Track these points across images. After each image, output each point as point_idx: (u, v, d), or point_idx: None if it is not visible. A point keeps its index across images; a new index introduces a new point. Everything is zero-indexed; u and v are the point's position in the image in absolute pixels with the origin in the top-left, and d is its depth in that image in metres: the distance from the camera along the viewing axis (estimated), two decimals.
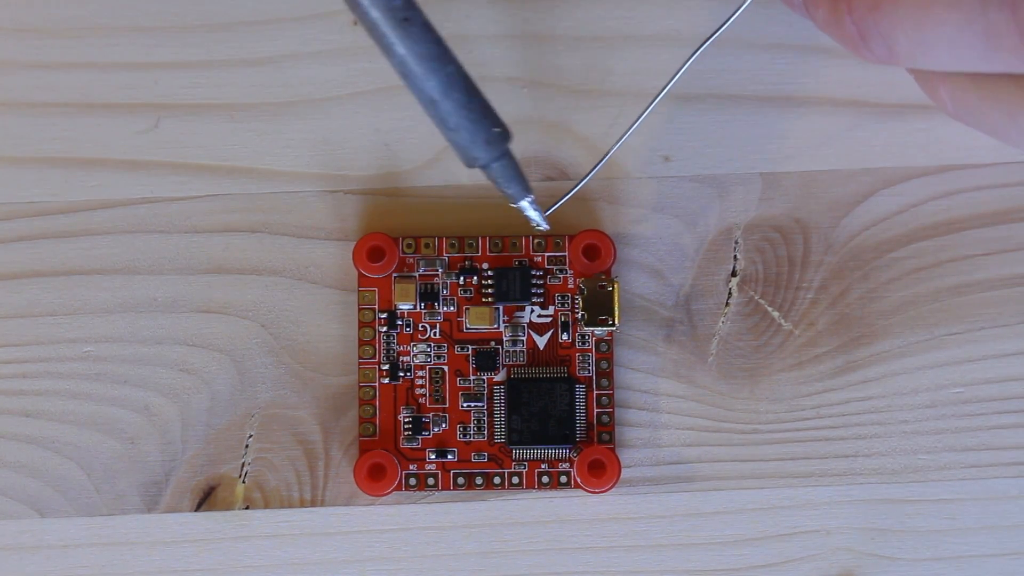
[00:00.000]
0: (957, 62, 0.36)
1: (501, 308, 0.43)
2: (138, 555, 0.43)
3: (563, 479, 0.43)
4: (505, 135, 0.38)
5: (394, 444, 0.43)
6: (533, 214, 0.40)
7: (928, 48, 0.36)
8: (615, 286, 0.42)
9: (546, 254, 0.43)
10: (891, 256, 0.44)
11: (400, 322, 0.43)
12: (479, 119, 0.38)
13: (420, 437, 0.43)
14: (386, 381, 0.43)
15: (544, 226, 0.41)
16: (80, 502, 0.43)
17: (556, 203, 0.42)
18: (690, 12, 0.44)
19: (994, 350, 0.43)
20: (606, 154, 0.42)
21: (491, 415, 0.43)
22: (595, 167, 0.42)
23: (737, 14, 0.40)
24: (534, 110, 0.44)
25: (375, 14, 0.36)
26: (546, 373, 0.43)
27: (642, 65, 0.44)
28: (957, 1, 0.35)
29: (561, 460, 0.43)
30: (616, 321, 0.42)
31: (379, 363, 0.43)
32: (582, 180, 0.42)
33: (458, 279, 0.43)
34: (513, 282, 0.43)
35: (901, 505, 0.43)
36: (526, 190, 0.40)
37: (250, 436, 0.43)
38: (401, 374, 0.43)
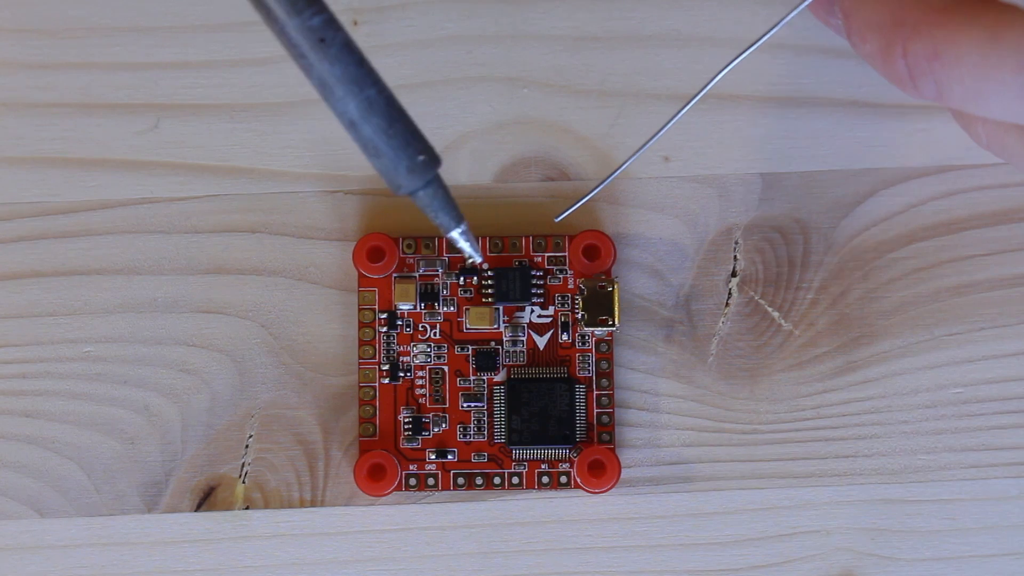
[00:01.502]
0: (1010, 116, 0.35)
1: (501, 308, 0.43)
2: (138, 555, 0.43)
3: (563, 479, 0.43)
4: (430, 163, 0.37)
5: (394, 444, 0.43)
6: (464, 245, 0.39)
7: (983, 102, 0.35)
8: (615, 286, 0.42)
9: (546, 254, 0.43)
10: (891, 256, 0.44)
11: (400, 322, 0.43)
12: (400, 146, 0.36)
13: (420, 437, 0.43)
14: (386, 381, 0.43)
15: (477, 259, 0.40)
16: (80, 502, 0.43)
17: (568, 208, 0.42)
18: (690, 12, 0.44)
19: (994, 350, 0.43)
20: (633, 155, 0.42)
21: (491, 415, 0.43)
22: (615, 170, 0.42)
23: (788, 18, 0.39)
24: (534, 110, 0.44)
25: (290, 33, 0.35)
26: (546, 373, 0.43)
27: (642, 65, 0.44)
28: None
29: (561, 460, 0.43)
30: (616, 321, 0.42)
31: (379, 363, 0.43)
32: (599, 185, 0.42)
33: (458, 279, 0.43)
34: (513, 282, 0.43)
35: (901, 505, 0.43)
36: (456, 220, 0.38)
37: (250, 436, 0.43)
38: (401, 374, 0.43)
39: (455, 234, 0.38)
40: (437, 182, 0.37)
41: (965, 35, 0.35)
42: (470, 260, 0.40)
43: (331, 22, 0.35)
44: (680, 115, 0.41)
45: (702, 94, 0.40)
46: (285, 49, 0.36)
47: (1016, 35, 0.34)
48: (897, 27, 0.36)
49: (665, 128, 0.41)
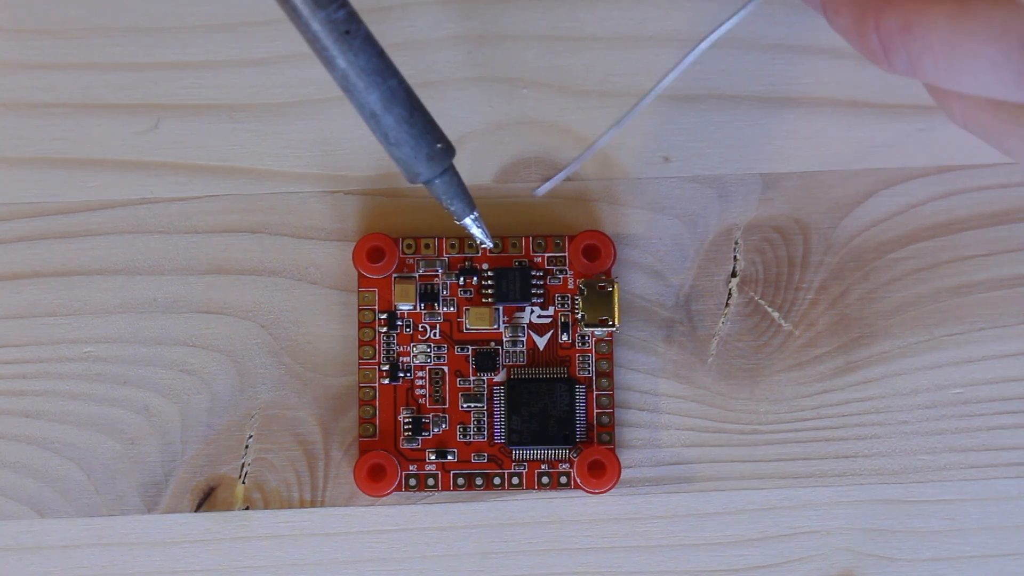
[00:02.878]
0: (982, 89, 0.35)
1: (501, 308, 0.43)
2: (138, 555, 0.43)
3: (563, 480, 0.43)
4: (448, 151, 0.38)
5: (394, 444, 0.43)
6: (477, 232, 0.40)
7: (955, 74, 0.35)
8: (615, 287, 0.42)
9: (546, 254, 0.43)
10: (891, 257, 0.44)
11: (400, 322, 0.43)
12: (421, 134, 0.37)
13: (420, 438, 0.43)
14: (386, 382, 0.43)
15: (489, 244, 0.41)
16: (80, 502, 0.43)
17: (548, 181, 0.42)
18: (690, 12, 0.44)
19: (994, 351, 0.43)
20: (603, 136, 0.42)
21: (491, 416, 0.43)
22: (596, 141, 0.42)
23: (742, 14, 0.40)
24: (534, 110, 0.44)
25: (316, 27, 0.36)
26: (546, 373, 0.43)
27: (642, 65, 0.44)
28: (996, 38, 0.34)
29: (561, 461, 0.43)
30: (616, 322, 0.42)
31: (379, 363, 0.43)
32: (579, 157, 0.42)
33: (458, 279, 0.43)
34: (513, 282, 0.43)
35: (901, 505, 0.43)
36: (470, 207, 0.40)
37: (250, 436, 0.43)
38: (401, 375, 0.43)
39: (468, 220, 0.40)
40: (453, 170, 0.39)
41: (935, 7, 0.35)
42: (482, 245, 0.41)
43: (353, 15, 0.36)
44: (660, 89, 0.41)
45: (683, 69, 0.41)
46: (308, 43, 0.36)
47: (986, 6, 0.34)
48: (869, 1, 0.36)
49: (645, 101, 0.41)
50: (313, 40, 0.36)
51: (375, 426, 0.43)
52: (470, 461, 0.43)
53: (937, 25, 0.35)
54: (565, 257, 0.43)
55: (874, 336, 0.44)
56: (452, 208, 0.39)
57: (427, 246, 0.43)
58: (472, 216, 0.40)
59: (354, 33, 0.36)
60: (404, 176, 0.38)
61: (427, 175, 0.38)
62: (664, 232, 0.44)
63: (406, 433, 0.43)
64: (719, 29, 0.41)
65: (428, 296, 0.43)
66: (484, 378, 0.43)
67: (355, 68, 0.36)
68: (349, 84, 0.37)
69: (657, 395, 0.43)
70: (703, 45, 0.41)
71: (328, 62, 0.36)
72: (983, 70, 0.35)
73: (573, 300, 0.43)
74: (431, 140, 0.38)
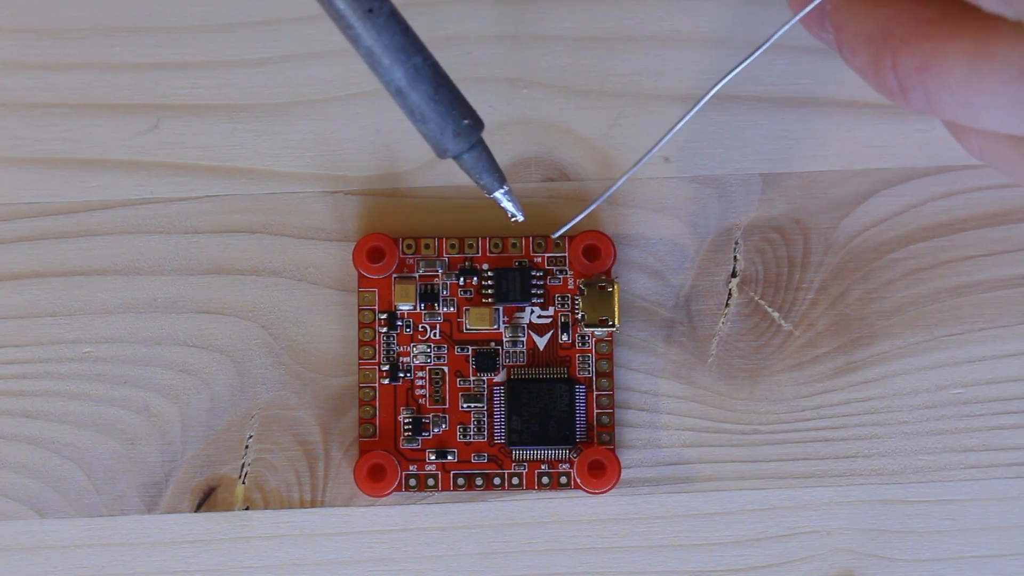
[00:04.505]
0: (1001, 126, 0.35)
1: (501, 309, 0.43)
2: (138, 556, 0.43)
3: (563, 480, 0.43)
4: (475, 126, 0.38)
5: (394, 445, 0.43)
6: (508, 205, 0.40)
7: (974, 112, 0.35)
8: (615, 287, 0.42)
9: (546, 255, 0.43)
10: (891, 257, 0.44)
11: (400, 323, 0.43)
12: (447, 111, 0.37)
13: (420, 438, 0.43)
14: (386, 382, 0.43)
15: (520, 217, 0.41)
16: (80, 503, 0.43)
17: (569, 222, 0.42)
18: (690, 12, 0.44)
19: (994, 351, 0.43)
20: (635, 165, 0.42)
21: (491, 416, 0.43)
22: (617, 182, 0.42)
23: (778, 36, 0.39)
24: (534, 110, 0.44)
25: (340, 5, 0.36)
26: (546, 374, 0.43)
27: (642, 65, 0.44)
28: (1016, 77, 0.34)
29: (561, 461, 0.43)
30: (616, 322, 0.42)
31: (379, 364, 0.43)
32: (599, 199, 0.42)
33: (458, 280, 0.43)
34: (513, 283, 0.43)
35: (901, 506, 0.43)
36: (500, 181, 0.39)
37: (250, 437, 0.43)
38: (401, 375, 0.43)
39: (499, 194, 0.39)
40: (481, 144, 0.38)
41: (953, 46, 0.35)
42: (513, 219, 0.40)
43: None
44: (676, 130, 0.41)
45: (695, 111, 0.40)
46: (333, 21, 0.36)
47: (1004, 45, 0.34)
48: (886, 39, 0.36)
49: (659, 145, 0.41)
50: (338, 18, 0.36)
51: (375, 426, 0.43)
52: (470, 461, 0.43)
53: (955, 64, 0.35)
54: (565, 257, 0.43)
55: (874, 336, 0.44)
56: (482, 182, 0.39)
57: (427, 246, 0.43)
58: (502, 190, 0.39)
59: (378, 11, 0.36)
60: (433, 151, 0.38)
61: (454, 150, 0.38)
62: (664, 232, 0.44)
63: (406, 433, 0.43)
64: (772, 37, 0.40)
65: (428, 296, 0.43)
66: (484, 378, 0.43)
67: (379, 46, 0.37)
68: (374, 61, 0.37)
69: (657, 395, 0.43)
70: (755, 55, 0.40)
71: (353, 40, 0.37)
72: (1003, 108, 0.35)
73: (573, 300, 0.43)
74: (457, 116, 0.38)
